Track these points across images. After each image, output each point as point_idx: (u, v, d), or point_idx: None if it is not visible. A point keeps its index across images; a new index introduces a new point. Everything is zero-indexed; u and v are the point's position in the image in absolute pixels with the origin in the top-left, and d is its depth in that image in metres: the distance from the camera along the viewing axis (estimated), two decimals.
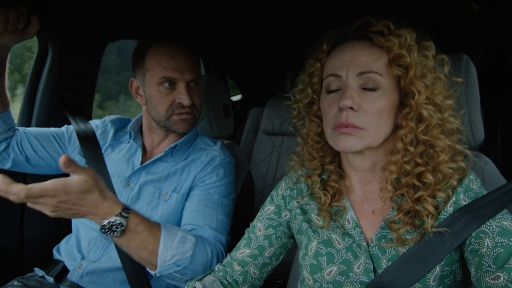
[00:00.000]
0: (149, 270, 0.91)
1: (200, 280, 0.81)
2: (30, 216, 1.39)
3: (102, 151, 1.18)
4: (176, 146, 1.15)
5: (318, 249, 0.76)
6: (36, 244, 1.37)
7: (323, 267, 0.74)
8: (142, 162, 1.15)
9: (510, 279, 0.56)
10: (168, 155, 1.15)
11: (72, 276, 1.06)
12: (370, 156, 0.73)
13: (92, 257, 1.06)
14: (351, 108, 0.67)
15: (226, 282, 0.83)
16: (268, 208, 0.88)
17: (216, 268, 0.86)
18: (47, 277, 1.09)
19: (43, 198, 0.71)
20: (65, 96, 1.41)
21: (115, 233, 0.81)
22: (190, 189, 1.10)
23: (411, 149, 0.68)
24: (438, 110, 0.68)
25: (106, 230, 0.80)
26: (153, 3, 1.41)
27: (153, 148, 1.19)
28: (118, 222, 0.81)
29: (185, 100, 1.08)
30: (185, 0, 1.43)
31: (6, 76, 1.08)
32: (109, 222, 0.80)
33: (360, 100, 0.67)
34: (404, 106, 0.69)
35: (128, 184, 1.12)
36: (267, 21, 1.83)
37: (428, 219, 0.66)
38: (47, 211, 0.73)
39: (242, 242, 0.88)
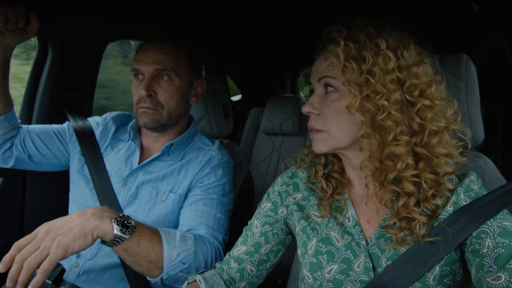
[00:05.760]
0: (151, 279, 0.90)
1: (201, 273, 0.83)
2: (30, 216, 1.38)
3: (102, 150, 1.18)
4: (172, 145, 1.14)
5: (318, 247, 0.76)
6: None
7: (323, 265, 0.74)
8: (140, 162, 1.14)
9: (511, 280, 0.56)
10: (165, 154, 1.15)
11: (69, 276, 1.05)
12: (353, 154, 0.73)
13: (88, 254, 1.05)
14: (312, 112, 0.71)
15: (223, 279, 0.83)
16: (265, 205, 0.88)
17: (215, 266, 0.88)
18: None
19: (32, 243, 0.71)
20: (65, 96, 1.41)
21: (129, 229, 0.80)
22: (188, 190, 1.10)
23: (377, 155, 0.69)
24: (382, 108, 0.64)
25: (119, 226, 0.78)
26: (153, 3, 1.41)
27: (150, 147, 1.19)
28: (127, 216, 0.81)
29: (141, 90, 1.05)
30: (185, 0, 1.43)
31: (10, 76, 1.09)
32: (121, 217, 0.80)
33: (320, 104, 0.71)
34: None
35: (126, 184, 1.11)
36: (267, 21, 1.83)
37: (423, 227, 0.65)
38: (47, 242, 0.71)
39: (240, 240, 0.89)
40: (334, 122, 0.70)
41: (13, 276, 0.68)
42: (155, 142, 1.17)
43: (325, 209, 0.77)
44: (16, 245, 0.71)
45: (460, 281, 0.67)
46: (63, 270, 1.10)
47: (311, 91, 0.76)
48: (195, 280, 0.81)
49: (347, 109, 0.67)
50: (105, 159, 1.16)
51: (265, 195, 0.90)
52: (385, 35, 0.67)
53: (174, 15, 1.60)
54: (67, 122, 1.26)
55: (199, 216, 1.03)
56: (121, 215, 0.81)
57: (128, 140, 1.19)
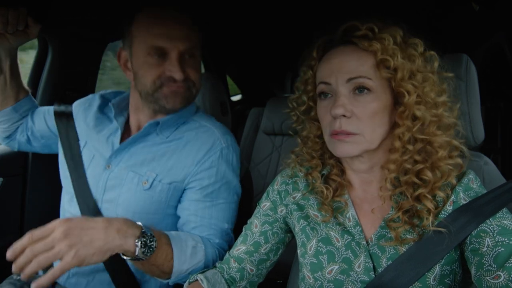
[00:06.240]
0: (160, 280, 0.90)
1: (202, 272, 0.83)
2: (30, 216, 1.39)
3: (90, 127, 1.09)
4: (158, 123, 0.99)
5: (318, 248, 0.76)
6: None
7: (324, 266, 0.74)
8: (122, 142, 1.02)
9: (511, 278, 0.56)
10: (153, 134, 1.00)
11: (59, 277, 1.04)
12: (369, 158, 0.73)
13: None
14: (344, 115, 0.67)
15: (224, 279, 0.84)
16: (264, 204, 0.88)
17: (216, 265, 0.88)
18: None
19: (48, 237, 0.67)
20: (65, 96, 1.41)
21: (150, 249, 0.76)
22: (185, 184, 0.98)
23: (410, 147, 0.68)
24: (432, 107, 0.67)
25: (142, 247, 0.74)
26: (152, 3, 1.41)
27: (139, 128, 1.04)
28: (150, 233, 0.77)
29: (176, 73, 0.91)
30: (185, 1, 1.43)
31: (20, 70, 1.13)
32: (144, 236, 0.75)
33: (352, 106, 0.67)
34: (399, 105, 0.69)
35: (109, 166, 1.00)
36: (267, 21, 1.83)
37: (429, 217, 0.65)
38: (63, 247, 0.66)
39: (239, 239, 0.88)
40: (369, 123, 0.67)
41: (20, 265, 0.66)
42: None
43: (327, 213, 0.76)
44: (29, 235, 0.67)
45: (460, 281, 0.67)
46: None
47: (324, 91, 0.72)
48: (197, 279, 0.81)
49: (382, 110, 0.67)
50: (89, 137, 1.08)
51: (265, 194, 0.90)
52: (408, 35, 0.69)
53: None
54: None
55: (207, 227, 0.97)
56: (144, 232, 0.76)
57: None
